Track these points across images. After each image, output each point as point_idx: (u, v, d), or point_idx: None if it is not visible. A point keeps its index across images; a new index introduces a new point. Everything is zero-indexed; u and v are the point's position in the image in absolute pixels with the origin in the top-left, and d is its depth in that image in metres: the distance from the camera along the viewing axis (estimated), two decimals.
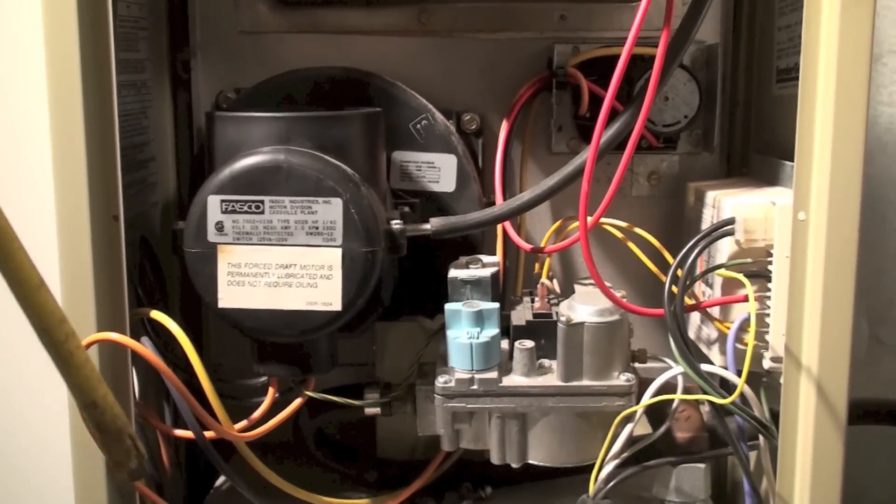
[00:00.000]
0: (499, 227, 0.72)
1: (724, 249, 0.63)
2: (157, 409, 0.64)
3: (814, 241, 0.55)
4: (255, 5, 0.74)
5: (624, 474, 0.63)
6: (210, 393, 0.59)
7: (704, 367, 0.61)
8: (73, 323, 0.45)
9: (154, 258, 0.68)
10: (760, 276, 0.60)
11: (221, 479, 0.74)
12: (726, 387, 0.62)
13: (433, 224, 0.64)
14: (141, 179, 0.68)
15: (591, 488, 0.63)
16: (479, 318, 0.62)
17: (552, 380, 0.62)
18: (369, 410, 0.66)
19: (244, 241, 0.59)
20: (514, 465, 0.64)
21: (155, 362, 0.56)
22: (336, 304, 0.59)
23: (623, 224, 0.70)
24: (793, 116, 0.55)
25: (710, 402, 0.61)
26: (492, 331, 0.62)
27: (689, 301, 0.64)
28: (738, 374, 0.60)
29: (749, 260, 0.62)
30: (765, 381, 0.63)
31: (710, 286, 0.66)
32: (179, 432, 0.60)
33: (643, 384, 0.63)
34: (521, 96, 0.76)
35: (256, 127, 0.60)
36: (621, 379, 0.62)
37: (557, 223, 0.74)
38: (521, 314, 0.66)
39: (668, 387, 0.62)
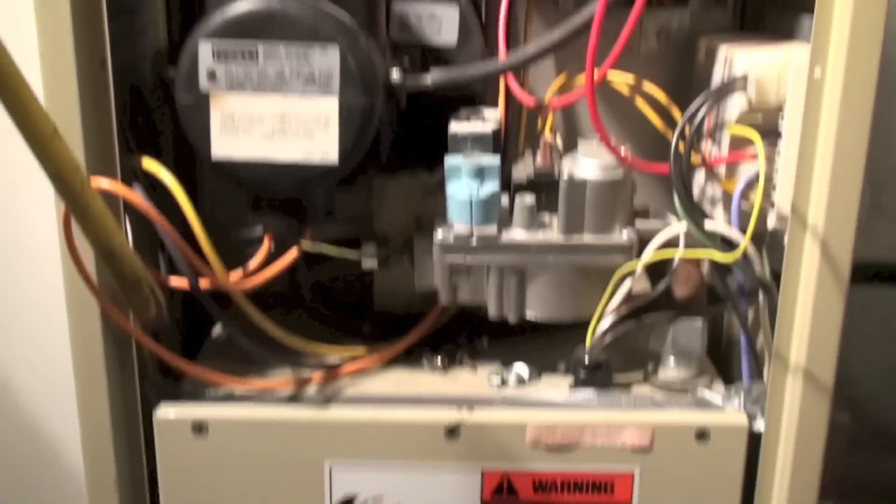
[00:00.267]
0: (501, 80, 0.70)
1: (734, 107, 0.61)
2: (151, 260, 0.64)
3: (828, 99, 0.53)
4: None
5: (621, 329, 0.63)
6: (204, 243, 0.58)
7: (707, 223, 0.61)
8: None
9: (146, 109, 0.66)
10: (770, 133, 0.59)
11: (218, 329, 0.74)
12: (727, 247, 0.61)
13: (433, 76, 0.62)
14: (129, 26, 0.66)
15: (588, 342, 0.64)
16: (480, 173, 0.61)
17: (552, 235, 0.62)
18: (366, 264, 0.65)
19: (237, 89, 0.57)
20: (512, 320, 0.64)
21: (146, 209, 0.55)
22: (333, 157, 0.58)
23: (630, 79, 0.68)
24: None
25: (712, 260, 0.60)
26: (492, 185, 0.61)
27: (695, 159, 0.63)
28: (741, 232, 0.59)
29: (759, 116, 0.60)
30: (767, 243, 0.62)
31: (718, 145, 0.64)
32: (175, 281, 0.60)
33: (644, 242, 0.62)
34: None
35: None
36: (622, 235, 0.62)
37: (562, 77, 0.72)
38: (523, 169, 0.65)
39: (670, 244, 0.61)
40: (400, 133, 0.66)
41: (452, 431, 0.61)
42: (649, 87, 0.68)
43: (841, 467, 0.63)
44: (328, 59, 0.57)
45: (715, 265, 0.61)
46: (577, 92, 0.71)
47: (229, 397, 0.64)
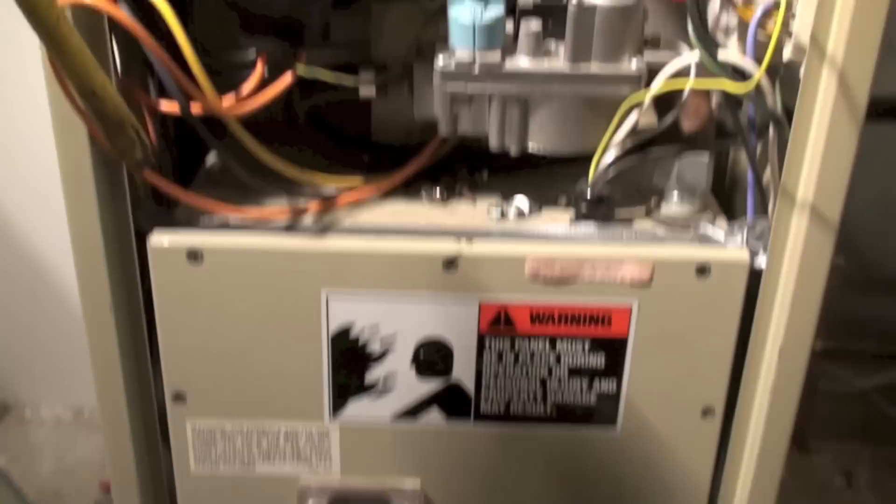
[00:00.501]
0: None
1: None
2: (141, 84, 0.61)
3: None
4: None
5: (625, 163, 0.62)
6: (195, 65, 0.55)
7: (721, 53, 0.58)
8: None
9: None
10: None
11: (212, 158, 0.73)
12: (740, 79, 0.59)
13: None
14: None
15: (591, 176, 0.62)
16: None
17: (558, 63, 0.59)
18: (364, 91, 0.63)
19: None
20: (513, 152, 0.62)
21: (132, 27, 0.52)
22: None
23: None
24: None
25: (724, 92, 0.58)
26: (497, 9, 0.58)
27: None
28: (756, 63, 0.57)
29: None
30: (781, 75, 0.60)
31: None
32: (165, 105, 0.57)
33: (653, 73, 0.60)
34: None
35: None
36: (631, 65, 0.59)
37: None
38: None
39: (681, 74, 0.59)
40: None
41: (450, 263, 0.60)
42: None
43: (834, 307, 0.63)
44: None
45: (726, 98, 0.59)
46: None
47: (224, 226, 0.63)
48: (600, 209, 0.63)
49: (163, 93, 0.58)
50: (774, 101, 0.59)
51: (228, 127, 0.59)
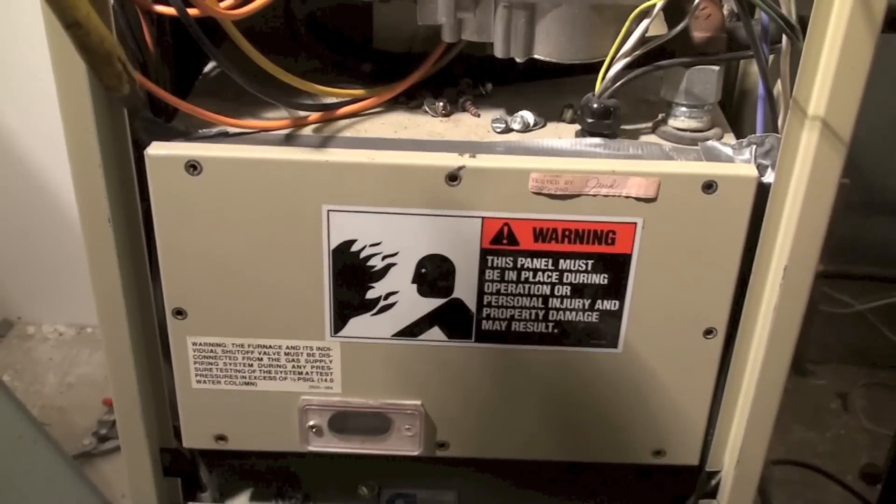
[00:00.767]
0: None
1: None
2: None
3: None
4: None
5: (633, 74, 0.60)
6: None
7: None
8: None
9: None
10: None
11: (210, 65, 0.71)
12: None
13: None
14: None
15: (597, 87, 0.61)
16: None
17: None
18: None
19: None
20: (519, 60, 0.60)
21: None
22: None
23: None
24: None
25: None
26: None
27: None
28: None
29: None
30: None
31: None
32: (160, 7, 0.56)
33: None
34: None
35: None
36: None
37: None
38: None
39: None
40: None
41: (453, 177, 0.59)
42: None
43: (836, 229, 0.63)
44: None
45: (739, 5, 0.57)
46: None
47: (223, 136, 0.62)
48: (606, 123, 0.62)
49: None
50: (789, 8, 0.57)
51: (227, 32, 0.57)
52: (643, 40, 0.59)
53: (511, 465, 0.76)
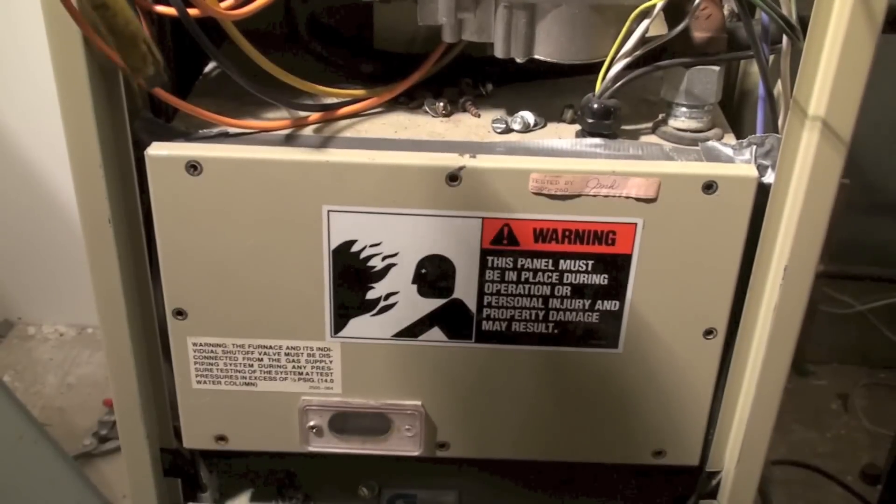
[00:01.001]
0: None
1: None
2: None
3: None
4: None
5: (633, 74, 0.60)
6: None
7: None
8: None
9: None
10: None
11: (211, 65, 0.71)
12: None
13: None
14: None
15: (598, 88, 0.61)
16: None
17: None
18: None
19: None
20: (519, 60, 0.60)
21: None
22: None
23: None
24: None
25: None
26: None
27: None
28: None
29: None
30: None
31: None
32: (161, 8, 0.56)
33: None
34: None
35: None
36: None
37: None
38: None
39: None
40: None
41: (454, 177, 0.59)
42: None
43: (836, 229, 0.63)
44: None
45: (739, 6, 0.57)
46: None
47: (223, 136, 0.62)
48: (606, 123, 0.62)
49: None
50: (790, 8, 0.57)
51: (227, 33, 0.57)
52: (643, 40, 0.59)
53: (511, 466, 0.76)
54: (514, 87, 0.70)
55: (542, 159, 0.60)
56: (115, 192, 0.61)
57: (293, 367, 0.67)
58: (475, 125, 0.66)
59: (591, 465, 0.74)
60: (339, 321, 0.65)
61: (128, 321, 0.64)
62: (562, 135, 0.65)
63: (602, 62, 0.60)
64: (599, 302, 0.64)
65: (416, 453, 0.70)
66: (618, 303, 0.64)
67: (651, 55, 0.60)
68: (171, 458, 0.73)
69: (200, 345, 0.66)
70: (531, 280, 0.64)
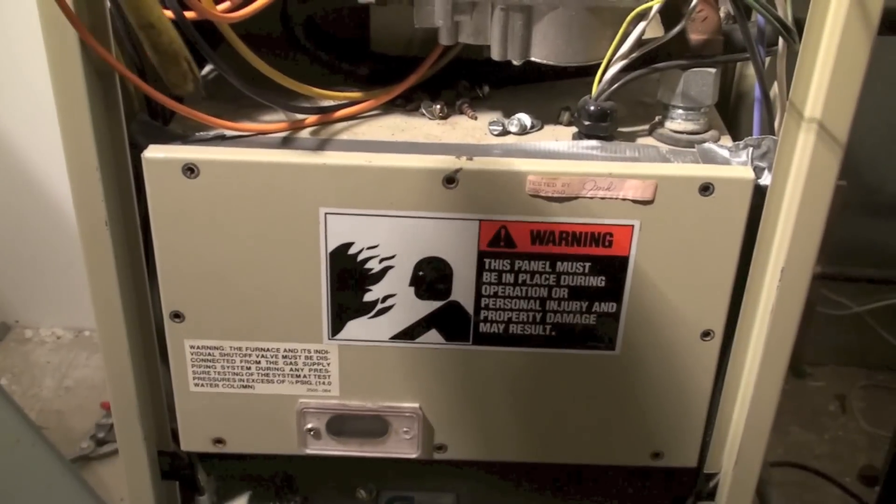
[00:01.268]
0: None
1: None
2: None
3: None
4: None
5: (630, 76, 0.60)
6: None
7: None
8: None
9: None
10: None
11: (208, 68, 0.71)
12: None
13: None
14: None
15: (594, 90, 0.61)
16: None
17: None
18: None
19: None
20: (516, 62, 0.60)
21: None
22: None
23: None
24: None
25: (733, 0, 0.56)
26: None
27: None
28: None
29: None
30: None
31: None
32: None
33: None
34: None
35: None
36: None
37: None
38: None
39: None
40: None
41: (450, 180, 0.59)
42: None
43: (833, 231, 0.63)
44: None
45: (735, 8, 0.57)
46: None
47: (220, 139, 0.62)
48: (603, 125, 0.62)
49: None
50: (785, 11, 0.57)
51: (224, 35, 0.57)
52: (640, 43, 0.59)
53: (509, 468, 0.76)
54: (511, 90, 0.70)
55: (539, 161, 0.60)
56: (112, 195, 0.61)
57: (291, 369, 0.67)
58: (472, 127, 0.66)
59: (588, 467, 0.74)
60: (337, 323, 0.65)
61: (125, 324, 0.64)
62: (558, 137, 0.65)
63: (598, 64, 0.60)
64: (597, 304, 0.64)
65: (413, 455, 0.70)
66: (615, 304, 0.64)
67: (647, 57, 0.60)
68: (169, 461, 0.73)
69: (198, 347, 0.66)
70: (528, 282, 0.64)
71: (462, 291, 0.64)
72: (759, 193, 0.61)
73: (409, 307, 0.64)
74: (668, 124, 0.64)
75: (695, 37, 0.61)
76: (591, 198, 0.60)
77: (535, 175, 0.59)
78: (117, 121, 0.59)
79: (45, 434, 1.07)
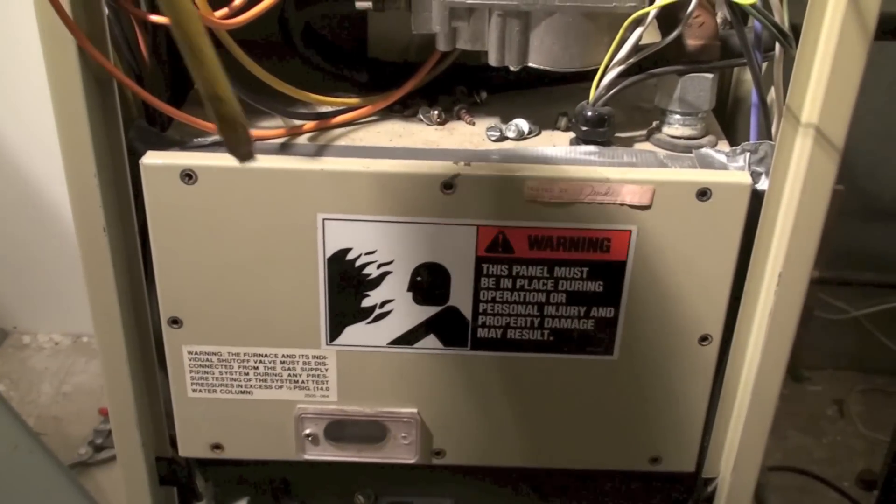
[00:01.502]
0: None
1: None
2: None
3: None
4: None
5: (627, 81, 0.60)
6: None
7: None
8: None
9: None
10: None
11: None
12: None
13: None
14: None
15: (592, 95, 0.61)
16: None
17: None
18: (360, 3, 0.61)
19: None
20: (513, 68, 0.60)
21: None
22: None
23: None
24: None
25: (730, 5, 0.56)
26: None
27: None
28: None
29: None
30: None
31: None
32: (155, 18, 0.56)
33: None
34: None
35: None
36: None
37: None
38: None
39: None
40: None
41: (448, 185, 0.59)
42: None
43: (831, 235, 0.63)
44: None
45: (732, 14, 0.57)
46: None
47: (218, 145, 0.62)
48: (601, 130, 0.62)
49: (154, 6, 0.56)
50: (782, 16, 0.57)
51: (222, 42, 0.57)
52: (637, 48, 0.59)
53: (507, 473, 0.76)
54: (509, 95, 0.70)
55: (537, 167, 0.60)
56: (110, 201, 0.61)
57: (289, 375, 0.67)
58: (470, 133, 0.66)
59: (587, 472, 0.74)
60: (335, 329, 0.65)
61: (123, 330, 0.64)
62: (556, 142, 0.65)
63: (596, 70, 0.60)
64: (594, 309, 0.64)
65: (412, 461, 0.70)
66: (613, 309, 0.64)
67: (645, 63, 0.60)
68: (167, 467, 0.73)
69: (196, 353, 0.66)
70: (526, 287, 0.64)
71: (460, 297, 0.64)
72: (757, 198, 0.61)
73: (407, 313, 0.64)
74: (666, 129, 0.64)
75: (692, 42, 0.61)
76: (589, 203, 0.60)
77: (532, 180, 0.59)
78: (115, 127, 0.59)
79: (43, 440, 1.07)
